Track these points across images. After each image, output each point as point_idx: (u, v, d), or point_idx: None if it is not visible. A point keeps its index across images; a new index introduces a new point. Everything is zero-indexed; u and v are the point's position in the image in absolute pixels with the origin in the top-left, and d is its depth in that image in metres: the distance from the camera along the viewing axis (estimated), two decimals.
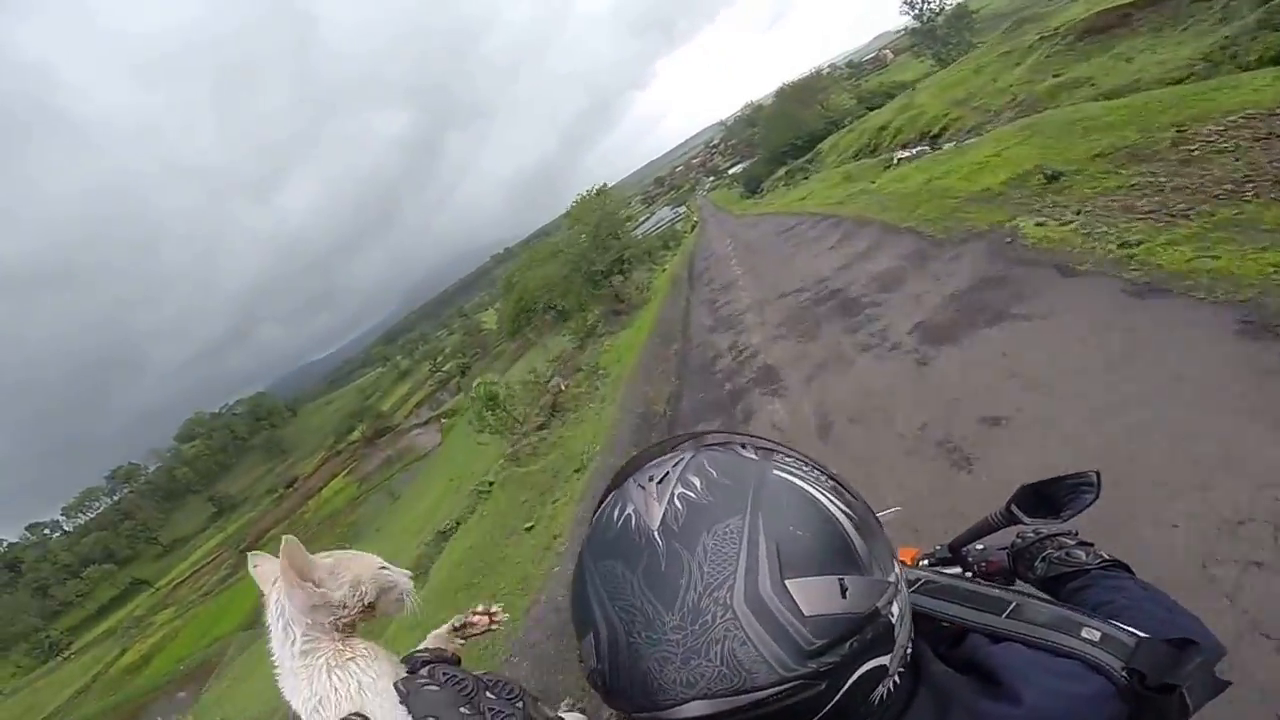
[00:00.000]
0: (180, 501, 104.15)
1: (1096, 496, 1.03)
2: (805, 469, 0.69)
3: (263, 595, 0.81)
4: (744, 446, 0.72)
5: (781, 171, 72.53)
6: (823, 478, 0.69)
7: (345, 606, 0.81)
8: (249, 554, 0.85)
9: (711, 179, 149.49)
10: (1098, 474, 1.02)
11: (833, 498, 0.66)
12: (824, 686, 0.58)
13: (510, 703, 0.66)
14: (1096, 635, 0.70)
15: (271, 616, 0.80)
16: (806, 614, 0.58)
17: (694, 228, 75.81)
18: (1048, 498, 1.05)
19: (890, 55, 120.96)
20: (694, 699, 0.56)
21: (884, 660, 0.62)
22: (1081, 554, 0.99)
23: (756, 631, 0.56)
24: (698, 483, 0.65)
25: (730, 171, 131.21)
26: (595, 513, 0.73)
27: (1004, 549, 1.15)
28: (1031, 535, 1.08)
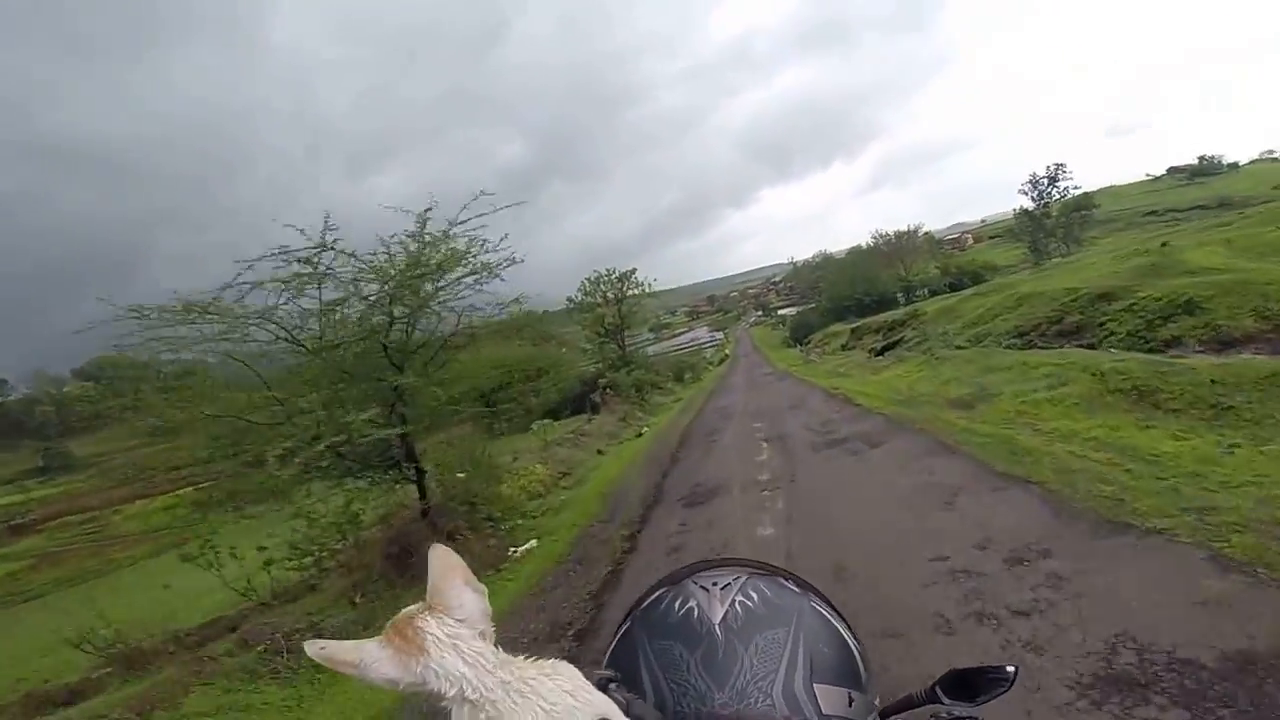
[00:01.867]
0: (13, 441, 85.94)
1: (1009, 688, 1.07)
2: (831, 608, 0.85)
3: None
4: (786, 579, 0.86)
5: (839, 327, 60.58)
6: (840, 616, 0.85)
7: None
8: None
9: (759, 313, 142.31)
10: (1016, 670, 1.07)
11: (850, 633, 0.82)
12: None
13: None
14: None
15: (439, 636, 0.63)
16: (824, 713, 0.70)
17: (722, 361, 64.35)
18: (968, 684, 1.06)
19: (970, 239, 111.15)
20: None
21: None
22: None
23: (785, 717, 0.68)
24: (755, 596, 0.79)
25: (780, 311, 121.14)
26: (645, 601, 0.87)
27: None
28: (945, 716, 1.07)
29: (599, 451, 18.31)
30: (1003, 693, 1.05)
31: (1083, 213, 68.95)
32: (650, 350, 67.06)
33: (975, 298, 27.70)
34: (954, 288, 63.00)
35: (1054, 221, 67.48)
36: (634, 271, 41.08)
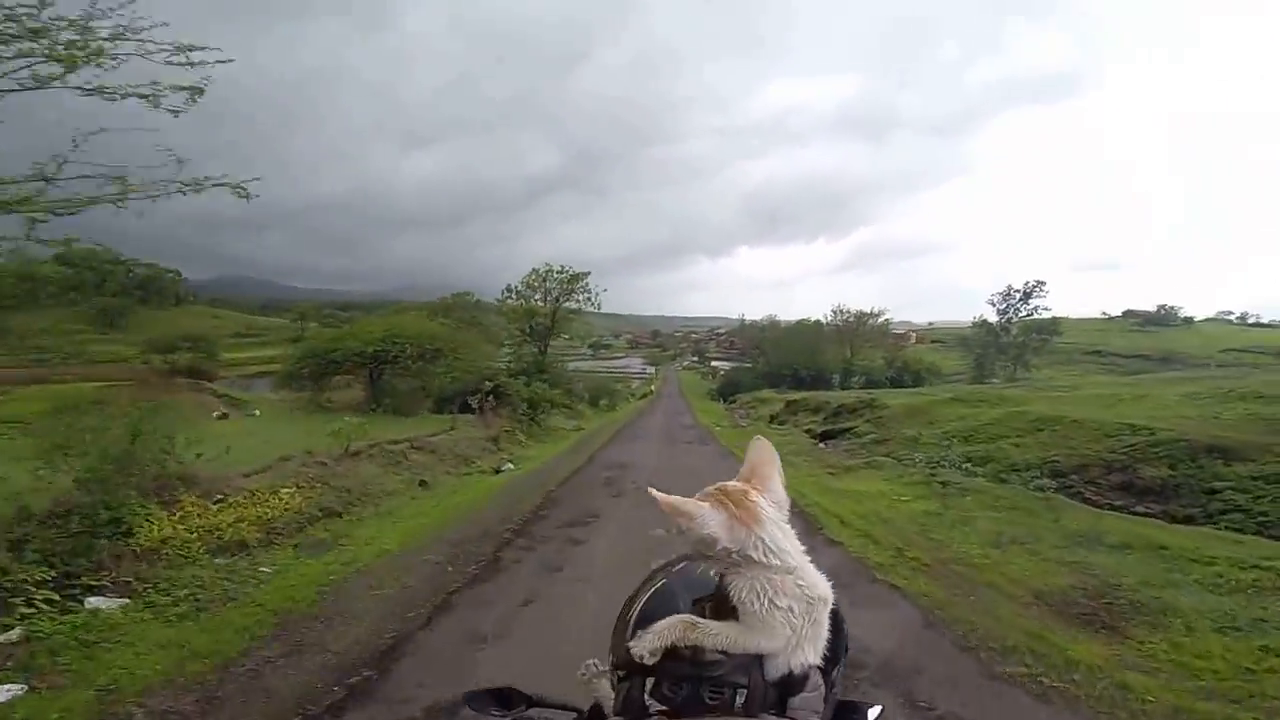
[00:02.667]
0: None
1: None
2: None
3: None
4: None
5: (770, 394, 55.71)
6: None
7: None
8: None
9: (694, 358, 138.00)
10: (882, 709, 1.12)
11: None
12: None
13: None
14: None
15: (770, 516, 0.77)
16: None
17: (644, 397, 58.85)
18: (843, 716, 1.09)
19: (914, 338, 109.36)
20: None
21: None
22: None
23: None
24: None
25: (714, 363, 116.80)
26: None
27: None
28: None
29: (421, 483, 12.03)
30: None
31: (1045, 337, 66.31)
32: (577, 366, 61.99)
33: (952, 404, 22.41)
34: (894, 383, 59.43)
35: (1011, 339, 64.76)
36: (586, 276, 35.33)
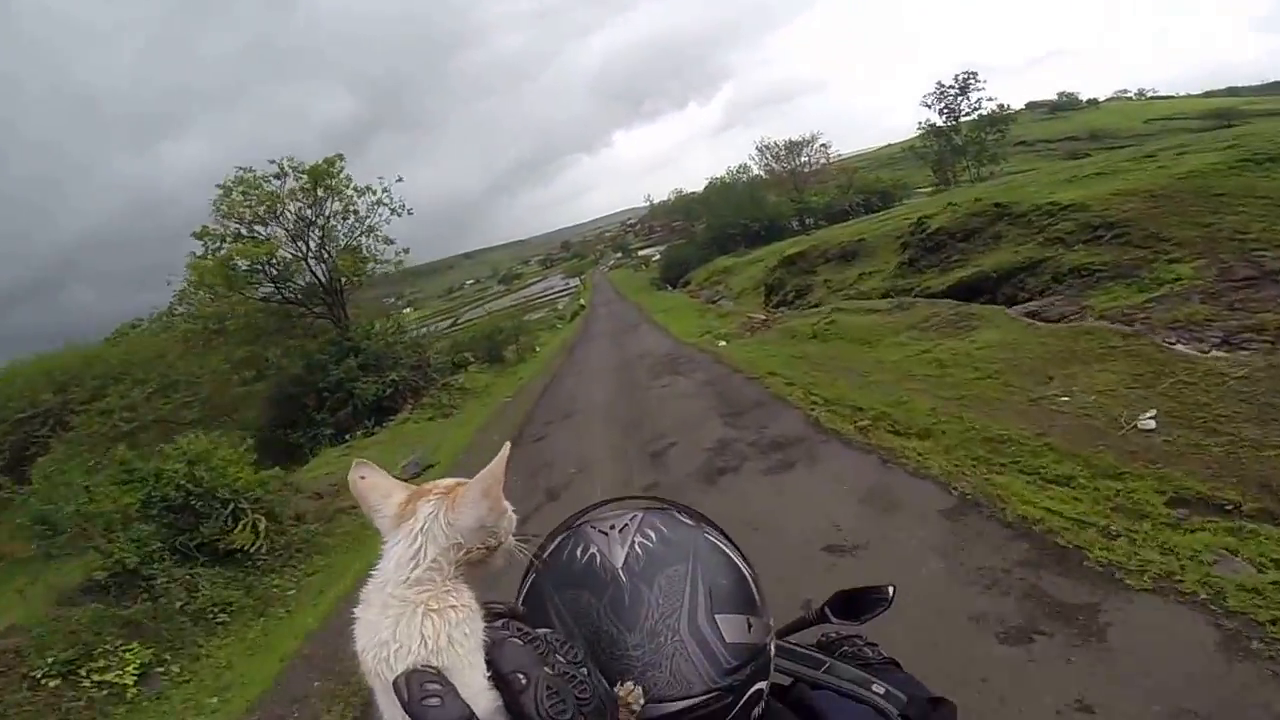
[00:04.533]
0: None
1: (889, 606, 1.13)
2: (723, 537, 0.82)
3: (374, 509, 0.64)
4: (679, 512, 0.83)
5: (727, 260, 43.20)
6: (733, 545, 0.82)
7: (480, 545, 0.63)
8: (356, 462, 0.68)
9: (618, 255, 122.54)
10: (894, 589, 1.14)
11: (743, 560, 0.80)
12: (730, 699, 0.68)
13: (577, 666, 0.60)
14: (882, 691, 0.85)
15: (407, 530, 0.61)
16: (727, 641, 0.70)
17: (575, 316, 45.32)
18: (854, 603, 1.14)
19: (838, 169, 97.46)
20: (649, 702, 0.65)
21: (764, 685, 0.74)
22: (869, 651, 1.06)
23: (695, 651, 0.68)
24: (653, 535, 0.76)
25: (641, 252, 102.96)
26: (545, 550, 0.80)
27: (813, 645, 1.14)
28: (834, 634, 1.13)
29: None
30: (883, 611, 1.12)
31: (1001, 129, 55.03)
32: (490, 308, 48.54)
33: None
34: (867, 209, 47.89)
35: (966, 139, 53.60)
36: (339, 164, 18.57)
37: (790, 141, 55.56)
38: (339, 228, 18.40)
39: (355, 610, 0.58)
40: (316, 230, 18.10)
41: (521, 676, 0.54)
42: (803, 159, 55.64)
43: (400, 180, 19.13)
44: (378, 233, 18.88)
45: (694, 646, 0.68)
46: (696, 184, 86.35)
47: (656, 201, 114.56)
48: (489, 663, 0.56)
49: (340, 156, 18.05)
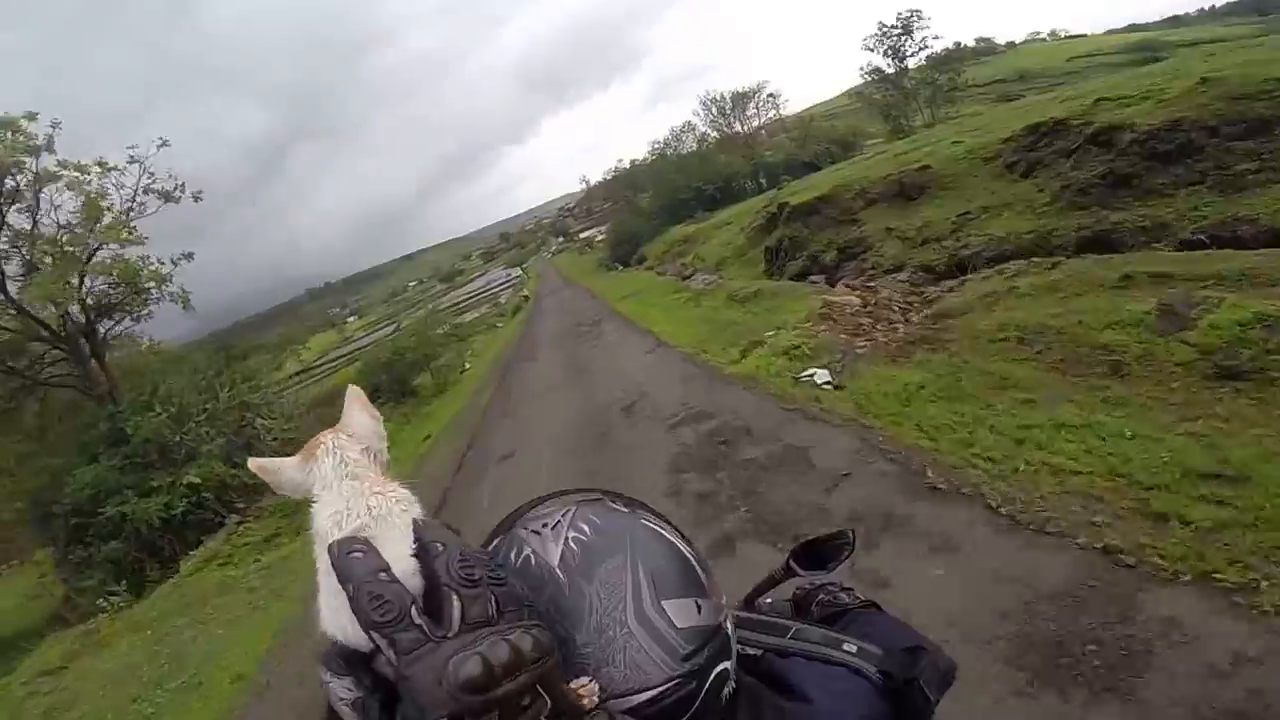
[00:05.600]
0: None
1: (852, 550, 1.13)
2: (661, 520, 0.78)
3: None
4: (613, 500, 0.78)
5: (685, 229, 36.92)
6: (672, 527, 0.78)
7: (379, 447, 0.73)
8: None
9: (560, 239, 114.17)
10: (853, 532, 1.15)
11: (684, 542, 0.76)
12: (694, 685, 0.65)
13: (500, 568, 0.61)
14: (854, 649, 0.81)
15: (322, 453, 0.68)
16: (678, 626, 0.67)
17: (516, 311, 38.04)
18: (818, 553, 1.13)
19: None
20: (609, 699, 0.62)
21: (728, 665, 0.70)
22: (845, 597, 1.06)
23: (646, 641, 0.65)
24: (587, 528, 0.71)
25: (583, 234, 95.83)
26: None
27: (788, 600, 1.18)
28: (808, 586, 1.13)
29: None
30: (848, 556, 1.12)
31: (954, 68, 49.54)
32: (433, 307, 40.78)
33: None
34: (810, 165, 42.05)
35: (917, 80, 47.92)
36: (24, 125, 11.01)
37: (736, 93, 48.94)
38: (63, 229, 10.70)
39: (322, 485, 0.63)
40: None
41: (439, 545, 0.56)
42: (750, 112, 49.05)
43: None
44: (132, 230, 11.30)
45: (644, 637, 0.65)
46: (636, 157, 79.44)
47: (594, 182, 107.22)
48: (416, 538, 0.58)
49: (34, 116, 10.46)
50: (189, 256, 12.14)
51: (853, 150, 45.19)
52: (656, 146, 55.38)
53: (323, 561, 0.55)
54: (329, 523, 0.59)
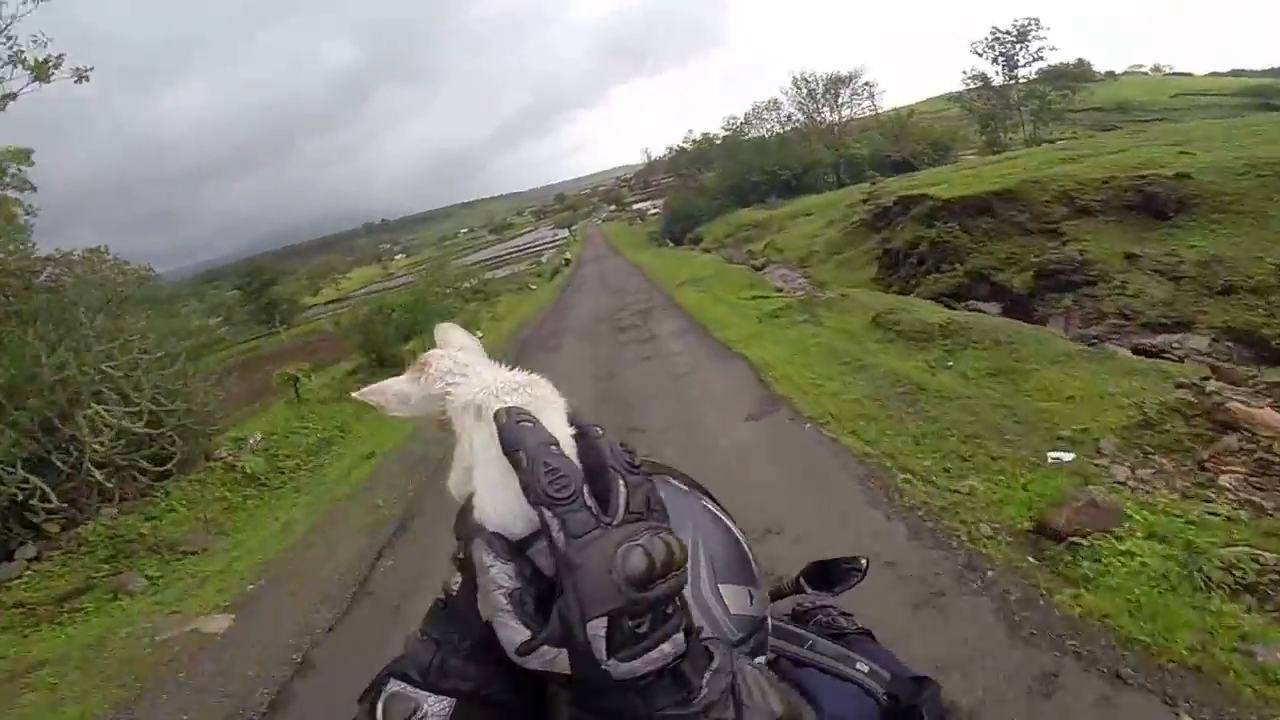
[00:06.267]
0: None
1: (863, 578, 1.11)
2: (718, 505, 0.78)
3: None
4: (674, 478, 0.78)
5: (755, 213, 32.76)
6: (728, 514, 0.78)
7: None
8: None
9: (612, 207, 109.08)
10: (867, 561, 1.12)
11: (739, 530, 0.75)
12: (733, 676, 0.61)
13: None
14: (866, 669, 0.79)
15: (440, 353, 0.63)
16: (732, 612, 0.66)
17: (555, 275, 33.82)
18: (828, 574, 1.11)
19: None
20: None
21: (763, 660, 0.69)
22: (843, 621, 1.04)
23: (700, 622, 0.59)
24: None
25: (635, 206, 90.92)
26: None
27: (788, 614, 1.09)
28: (809, 604, 1.09)
29: None
30: (857, 582, 1.10)
31: (1070, 86, 44.16)
32: (477, 258, 37.54)
33: None
34: (899, 166, 37.26)
35: (1025, 93, 42.50)
36: None
37: (831, 76, 43.66)
38: None
39: (452, 378, 0.57)
40: None
41: (598, 429, 0.53)
42: (842, 99, 43.84)
43: None
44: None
45: (699, 618, 0.61)
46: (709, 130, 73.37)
47: (658, 155, 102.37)
48: (571, 420, 0.55)
49: None
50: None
51: (947, 156, 40.37)
52: (733, 122, 50.00)
53: (479, 435, 0.51)
54: (481, 394, 0.53)
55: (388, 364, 11.28)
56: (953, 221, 11.01)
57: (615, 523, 0.44)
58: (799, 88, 44.09)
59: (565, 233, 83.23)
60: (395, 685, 0.50)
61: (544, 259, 46.35)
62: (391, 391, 0.58)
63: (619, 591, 0.42)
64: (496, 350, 9.24)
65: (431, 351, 0.61)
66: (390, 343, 11.23)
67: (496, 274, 34.43)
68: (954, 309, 8.60)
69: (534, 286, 28.18)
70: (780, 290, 13.03)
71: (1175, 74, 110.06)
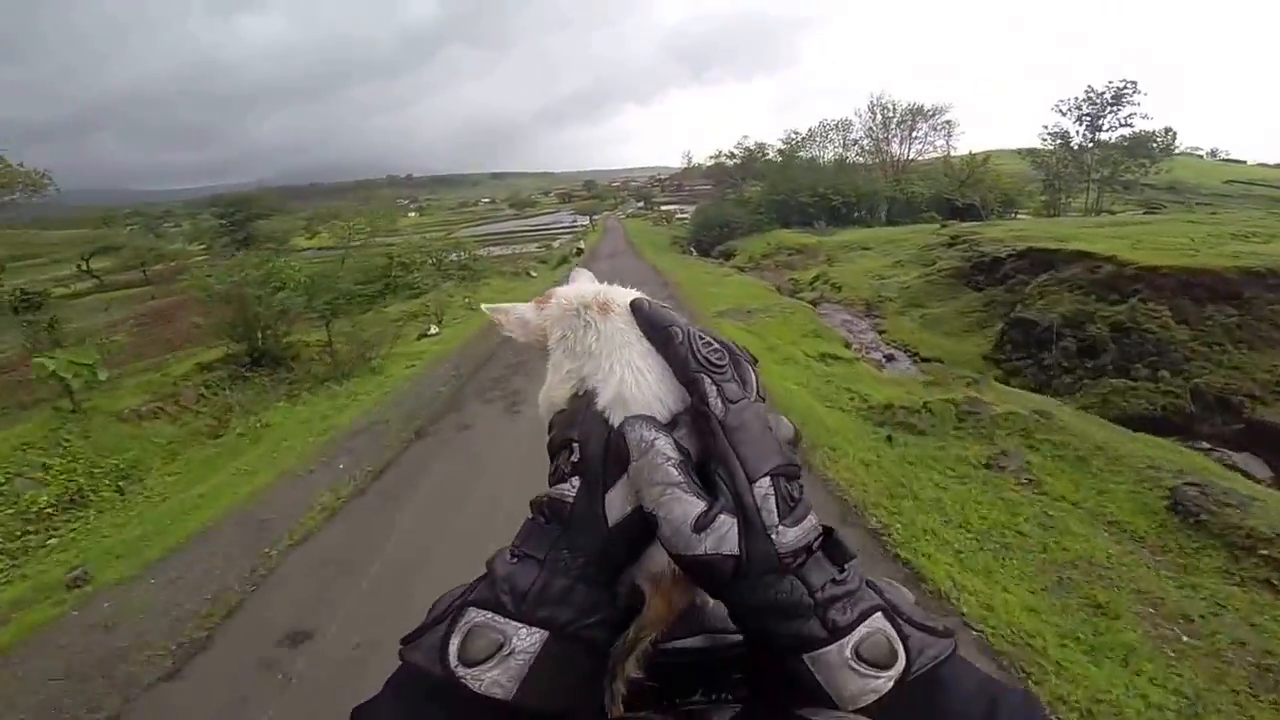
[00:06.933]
0: None
1: None
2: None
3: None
4: None
5: (799, 237, 29.03)
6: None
7: None
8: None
9: (639, 204, 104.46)
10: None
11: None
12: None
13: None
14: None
15: (560, 292, 0.63)
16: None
17: (561, 263, 29.95)
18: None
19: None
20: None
21: None
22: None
23: None
24: None
25: (665, 207, 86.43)
26: None
27: None
28: None
29: None
30: None
31: (1150, 157, 40.67)
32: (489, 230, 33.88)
33: None
34: (960, 212, 33.67)
35: (1099, 156, 39.21)
36: None
37: (911, 105, 39.80)
38: None
39: (562, 288, 0.60)
40: None
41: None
42: (917, 133, 40.06)
43: None
44: None
45: None
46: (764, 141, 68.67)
47: (699, 160, 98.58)
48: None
49: None
50: None
51: (1012, 209, 36.68)
52: (794, 136, 45.90)
53: (608, 325, 0.52)
54: (604, 290, 0.56)
55: (264, 362, 7.42)
56: (1160, 302, 7.13)
57: (752, 399, 0.45)
58: (874, 112, 40.25)
59: (585, 220, 79.32)
60: (478, 614, 0.43)
61: (555, 244, 42.59)
62: (516, 315, 0.60)
63: (780, 450, 0.43)
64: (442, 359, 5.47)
65: (558, 288, 0.61)
66: (270, 328, 7.30)
67: (495, 251, 30.61)
68: (1162, 437, 4.87)
69: (534, 274, 24.29)
70: (850, 347, 9.24)
71: (1230, 160, 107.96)
